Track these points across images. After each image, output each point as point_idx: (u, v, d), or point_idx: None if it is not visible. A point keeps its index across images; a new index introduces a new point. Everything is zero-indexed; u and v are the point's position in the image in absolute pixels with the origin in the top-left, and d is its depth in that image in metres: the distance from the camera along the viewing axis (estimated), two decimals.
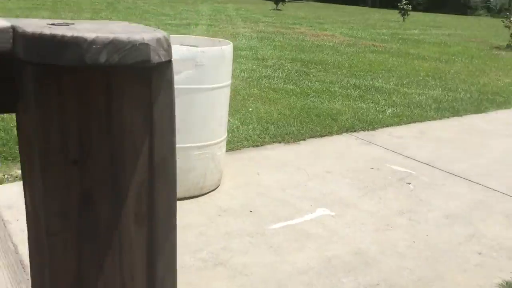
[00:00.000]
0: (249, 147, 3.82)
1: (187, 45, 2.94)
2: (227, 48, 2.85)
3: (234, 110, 4.61)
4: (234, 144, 3.80)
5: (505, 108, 5.44)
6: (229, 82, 2.96)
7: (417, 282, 2.19)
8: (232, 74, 6.22)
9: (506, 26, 11.46)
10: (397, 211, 2.89)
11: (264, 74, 6.35)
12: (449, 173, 3.52)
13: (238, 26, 12.79)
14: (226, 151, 3.67)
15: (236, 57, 7.50)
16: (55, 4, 16.21)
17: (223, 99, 2.92)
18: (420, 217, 2.82)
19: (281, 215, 2.77)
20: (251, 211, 2.80)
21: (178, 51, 2.65)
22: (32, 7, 14.64)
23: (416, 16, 20.62)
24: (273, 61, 7.36)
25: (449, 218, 2.83)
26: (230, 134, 3.94)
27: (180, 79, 2.67)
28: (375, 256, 2.39)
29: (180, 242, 2.54)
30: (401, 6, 17.63)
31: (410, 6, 17.92)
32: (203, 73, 2.72)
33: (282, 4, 21.77)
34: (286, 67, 6.95)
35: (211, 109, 2.84)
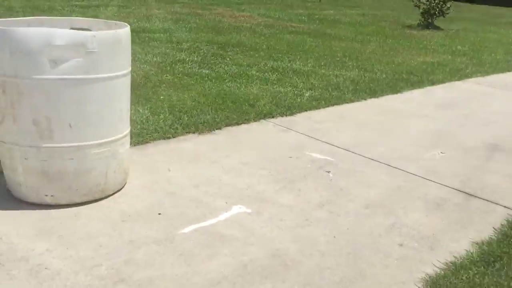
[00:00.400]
0: (159, 139, 3.51)
1: (78, 29, 2.56)
2: (124, 31, 2.51)
3: (144, 99, 4.26)
4: (143, 137, 3.48)
5: (418, 87, 5.52)
6: (129, 70, 2.63)
7: (339, 284, 2.03)
8: (144, 59, 5.83)
9: (416, 6, 11.83)
10: (317, 203, 2.73)
11: (178, 58, 6.00)
12: (368, 158, 3.43)
13: (152, 7, 12.19)
14: (134, 145, 3.34)
15: (149, 41, 7.07)
16: None
17: (122, 89, 2.58)
18: (341, 208, 2.69)
19: (193, 217, 2.51)
20: (159, 214, 2.52)
21: (64, 36, 2.28)
22: None
23: None
24: (188, 44, 7.01)
25: (369, 207, 2.72)
26: (138, 126, 3.61)
27: (68, 68, 2.31)
28: (294, 257, 2.21)
29: (75, 258, 2.23)
30: None
31: None
32: (96, 61, 2.37)
33: None
34: (202, 50, 6.63)
35: (109, 102, 2.50)
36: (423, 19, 11.50)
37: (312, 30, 9.81)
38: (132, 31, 7.79)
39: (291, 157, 3.36)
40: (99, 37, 2.36)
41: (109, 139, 2.54)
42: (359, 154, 3.48)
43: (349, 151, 3.54)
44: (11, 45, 2.24)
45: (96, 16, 9.39)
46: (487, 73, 6.66)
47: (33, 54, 2.25)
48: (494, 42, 9.83)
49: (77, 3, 11.81)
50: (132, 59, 5.60)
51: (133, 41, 6.98)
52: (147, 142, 3.43)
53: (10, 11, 9.30)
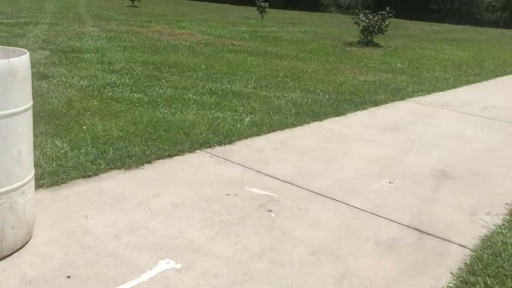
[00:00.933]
0: (78, 178, 3.07)
1: None
2: (19, 61, 2.09)
3: (63, 130, 3.80)
4: (58, 176, 3.02)
5: (362, 108, 5.35)
6: (28, 105, 2.20)
7: None
8: (69, 83, 5.33)
9: (356, 23, 11.91)
10: (258, 251, 2.40)
11: (108, 81, 5.55)
12: (312, 192, 3.14)
13: (86, 24, 11.61)
14: (47, 187, 2.90)
15: (78, 62, 6.57)
16: None
17: (20, 128, 2.15)
18: (284, 257, 2.37)
19: (111, 278, 2.11)
20: (69, 277, 2.10)
21: None
22: None
23: (274, 13, 20.98)
24: (121, 65, 6.56)
25: (315, 254, 2.41)
26: (54, 163, 3.16)
27: None
28: None
29: None
30: (259, 4, 17.70)
31: (267, 3, 18.08)
32: None
33: (139, 0, 20.64)
34: (136, 72, 6.21)
35: (3, 144, 2.07)
36: (362, 37, 11.59)
37: (253, 48, 9.58)
38: (60, 51, 7.27)
39: (228, 194, 3.02)
40: None
41: (4, 189, 2.10)
42: (303, 188, 3.19)
43: (293, 184, 3.24)
44: None
45: (22, 35, 8.74)
46: (427, 91, 6.63)
47: None
48: (431, 59, 9.98)
49: (3, 20, 11.04)
50: (56, 83, 5.12)
51: (60, 63, 6.49)
52: (63, 183, 2.98)
53: None
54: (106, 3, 20.58)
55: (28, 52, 2.20)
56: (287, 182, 3.26)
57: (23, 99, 2.14)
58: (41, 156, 3.23)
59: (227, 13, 21.48)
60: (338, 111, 5.13)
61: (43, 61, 6.42)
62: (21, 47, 6.77)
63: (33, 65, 6.19)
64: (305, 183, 3.26)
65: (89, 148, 3.47)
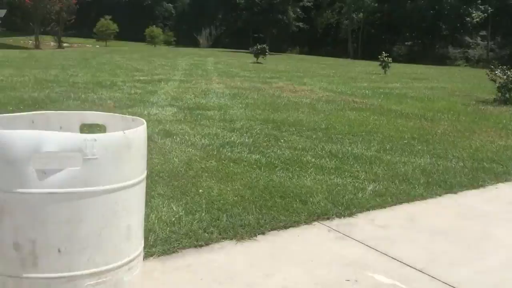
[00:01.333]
0: (190, 247, 2.94)
1: (89, 125, 2.12)
2: (135, 132, 2.02)
3: (180, 192, 3.76)
4: (170, 244, 2.92)
5: (505, 180, 4.66)
6: (141, 177, 2.11)
7: None
8: (191, 141, 5.41)
9: (491, 80, 10.97)
10: None
11: (228, 139, 5.56)
12: (449, 285, 2.65)
13: (213, 81, 12.18)
14: (158, 256, 2.80)
15: (201, 119, 6.75)
16: (24, 61, 15.57)
17: (131, 202, 2.06)
18: None
19: None
20: None
21: (56, 140, 1.82)
22: None
23: (397, 68, 20.41)
24: (241, 123, 6.60)
25: None
26: (168, 229, 3.08)
27: (60, 180, 1.83)
28: None
29: None
30: (382, 58, 17.33)
31: (390, 58, 17.64)
32: (96, 170, 1.88)
33: (263, 57, 21.45)
34: (255, 130, 6.18)
35: (111, 219, 1.98)
36: (500, 94, 10.58)
37: (376, 106, 9.19)
38: (186, 108, 7.54)
39: (348, 280, 2.66)
40: (101, 141, 1.88)
41: (110, 266, 2.00)
42: (436, 279, 2.72)
43: (424, 272, 2.78)
44: None
45: (154, 92, 9.35)
46: None
47: (17, 163, 1.80)
48: None
49: (140, 77, 12.01)
50: (179, 141, 5.17)
51: (185, 120, 6.68)
52: (174, 252, 2.87)
53: (73, 87, 9.47)
54: (232, 60, 21.69)
55: (145, 123, 2.14)
56: (417, 270, 2.81)
57: (136, 172, 2.06)
58: (156, 221, 3.18)
59: (349, 68, 21.37)
60: (476, 182, 4.52)
61: (170, 119, 6.70)
62: (152, 104, 7.11)
63: (160, 123, 6.51)
64: (439, 272, 2.78)
65: (203, 214, 3.36)
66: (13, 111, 6.83)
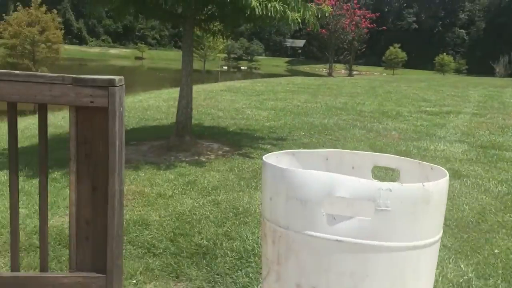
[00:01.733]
0: None
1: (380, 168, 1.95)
2: (436, 186, 1.75)
3: (471, 248, 3.26)
4: None
5: None
6: (436, 238, 1.82)
7: None
8: (485, 187, 4.75)
9: None
10: None
11: None
12: None
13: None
14: None
15: (497, 161, 5.94)
16: (318, 88, 16.90)
17: (421, 265, 1.79)
18: None
19: None
20: None
21: (349, 185, 1.70)
22: (297, 90, 15.56)
23: None
24: None
25: None
26: None
27: (348, 228, 1.71)
28: None
29: None
30: None
31: None
32: (387, 223, 1.69)
33: None
34: None
35: (397, 280, 1.75)
36: None
37: None
38: (479, 146, 6.77)
39: None
40: (396, 192, 1.68)
41: None
42: None
43: None
44: (288, 189, 1.80)
45: (442, 125, 8.76)
46: None
47: (310, 205, 1.75)
48: None
49: (426, 108, 11.51)
50: (470, 185, 4.59)
51: (477, 160, 5.99)
52: None
53: (359, 116, 9.70)
54: None
55: (447, 175, 1.84)
56: None
57: (431, 231, 1.78)
58: (440, 278, 2.80)
59: None
60: None
61: (460, 157, 6.09)
62: (440, 138, 6.55)
63: (448, 160, 5.97)
64: None
65: (499, 281, 2.80)
66: (304, 136, 7.36)
